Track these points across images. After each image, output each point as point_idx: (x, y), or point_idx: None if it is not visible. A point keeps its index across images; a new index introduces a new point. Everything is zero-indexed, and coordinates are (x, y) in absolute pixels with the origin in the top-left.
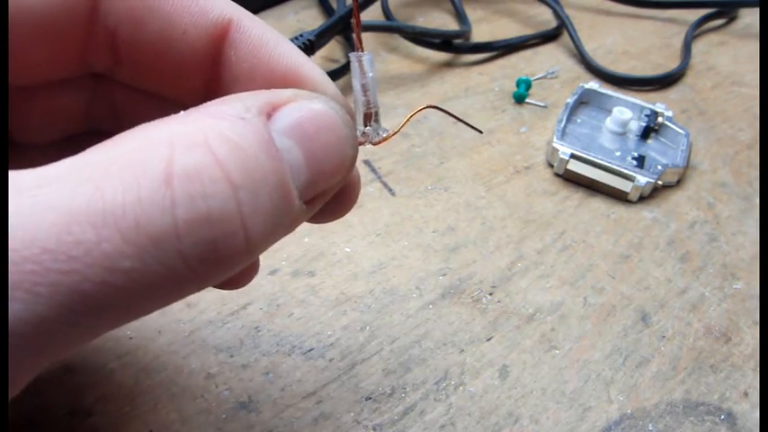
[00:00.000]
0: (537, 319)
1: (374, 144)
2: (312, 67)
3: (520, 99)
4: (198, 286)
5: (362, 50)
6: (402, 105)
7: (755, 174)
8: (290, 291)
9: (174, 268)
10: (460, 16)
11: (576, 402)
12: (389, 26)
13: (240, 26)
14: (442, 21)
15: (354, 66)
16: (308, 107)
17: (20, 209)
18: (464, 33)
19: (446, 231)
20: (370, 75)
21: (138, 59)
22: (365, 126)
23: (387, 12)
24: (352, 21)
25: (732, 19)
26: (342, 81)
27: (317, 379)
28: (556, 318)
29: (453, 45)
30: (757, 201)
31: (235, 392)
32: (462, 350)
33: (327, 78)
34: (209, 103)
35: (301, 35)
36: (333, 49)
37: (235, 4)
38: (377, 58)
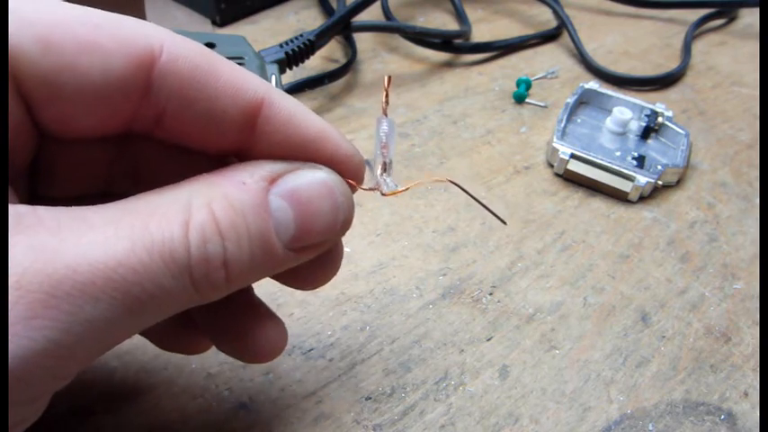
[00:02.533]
0: (537, 319)
1: (383, 195)
2: (334, 132)
3: (520, 99)
4: (201, 301)
5: (386, 114)
6: (402, 105)
7: (755, 174)
8: (290, 291)
9: (187, 288)
10: (460, 16)
11: (576, 402)
12: (389, 26)
13: (272, 104)
14: (442, 21)
15: (379, 126)
16: (309, 176)
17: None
18: (464, 33)
19: (446, 231)
20: (391, 134)
21: (179, 128)
22: (381, 174)
23: (387, 12)
24: (385, 81)
25: (732, 19)
26: (342, 81)
27: (317, 379)
28: (556, 318)
29: (453, 45)
30: (757, 201)
31: (235, 392)
32: (462, 350)
33: (346, 139)
34: (229, 167)
35: (301, 35)
36: (333, 49)
37: (267, 83)
38: (377, 59)
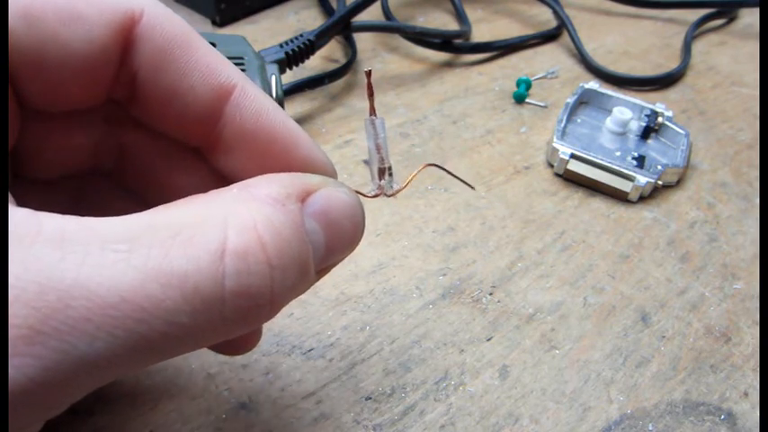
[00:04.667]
0: (537, 319)
1: (388, 196)
2: (306, 137)
3: (520, 99)
4: (227, 337)
5: (375, 115)
6: (402, 105)
7: (755, 174)
8: None
9: (214, 325)
10: (460, 16)
11: (576, 402)
12: (389, 26)
13: (244, 91)
14: (442, 21)
15: (369, 128)
16: (336, 196)
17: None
18: (464, 33)
19: (446, 231)
20: (382, 135)
21: (151, 100)
22: (380, 180)
23: (387, 12)
24: (366, 72)
25: (732, 19)
26: (342, 81)
27: (317, 379)
28: (556, 318)
29: (453, 45)
30: (757, 201)
31: (235, 392)
32: (462, 350)
33: (318, 146)
34: (252, 181)
35: (301, 35)
36: (333, 49)
37: (241, 73)
38: (377, 59)
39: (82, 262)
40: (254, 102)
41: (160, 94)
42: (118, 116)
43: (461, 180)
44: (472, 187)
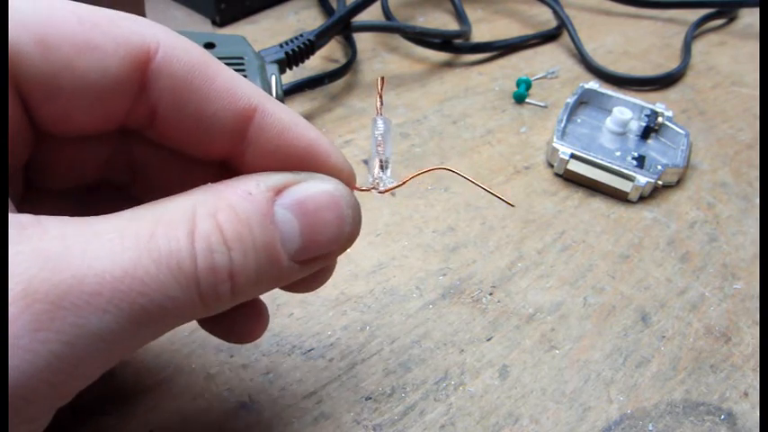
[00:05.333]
0: (537, 319)
1: (380, 192)
2: (325, 143)
3: (520, 99)
4: (206, 313)
5: (381, 113)
6: (402, 105)
7: (755, 174)
8: None
9: (194, 300)
10: (460, 16)
11: (576, 402)
12: (389, 26)
13: (265, 113)
14: (442, 21)
15: (372, 126)
16: (316, 188)
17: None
18: (464, 33)
19: (446, 231)
20: (385, 133)
21: (171, 127)
22: (378, 173)
23: (387, 12)
24: (378, 82)
25: (732, 19)
26: (342, 81)
27: (317, 379)
28: (556, 318)
29: (453, 45)
30: (757, 201)
31: (235, 392)
32: (462, 350)
33: (338, 150)
34: (235, 178)
35: (301, 35)
36: (333, 49)
37: (262, 91)
38: (377, 59)
39: (85, 248)
40: (276, 121)
41: (182, 122)
42: (132, 135)
43: (497, 196)
44: (511, 204)
